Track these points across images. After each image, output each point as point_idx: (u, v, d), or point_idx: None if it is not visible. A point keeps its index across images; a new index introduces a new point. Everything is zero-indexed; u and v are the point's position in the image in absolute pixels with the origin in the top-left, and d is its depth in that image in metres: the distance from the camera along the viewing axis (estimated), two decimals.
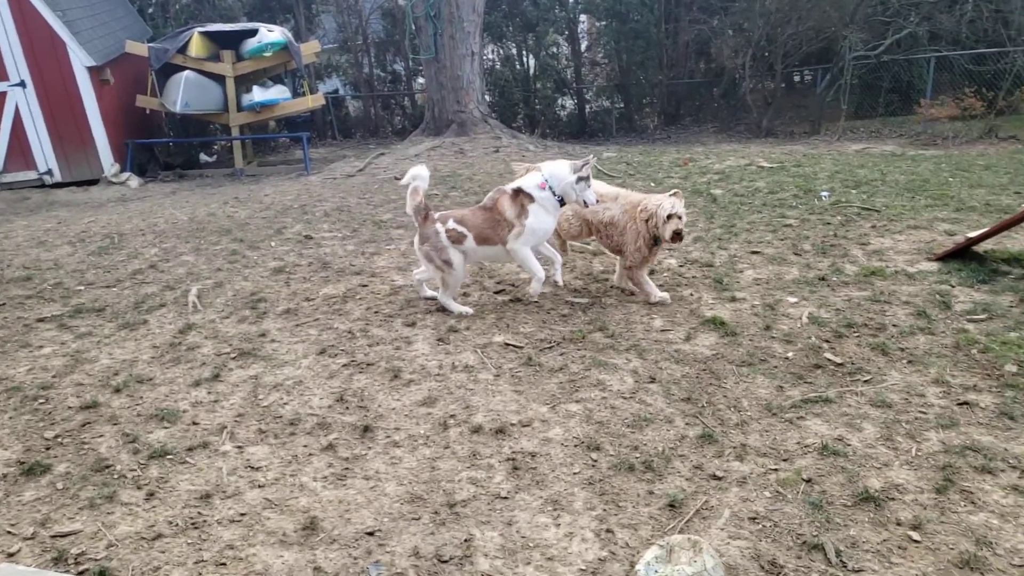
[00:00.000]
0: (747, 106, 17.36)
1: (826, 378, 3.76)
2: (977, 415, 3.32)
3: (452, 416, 3.52)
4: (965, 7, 14.95)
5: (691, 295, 5.03)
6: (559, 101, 21.36)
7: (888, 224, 6.49)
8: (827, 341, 4.19)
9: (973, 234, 5.40)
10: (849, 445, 3.12)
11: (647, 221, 4.77)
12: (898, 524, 2.61)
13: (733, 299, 4.90)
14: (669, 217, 4.65)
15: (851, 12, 15.10)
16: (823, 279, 5.15)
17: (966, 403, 3.43)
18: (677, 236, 4.66)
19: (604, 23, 20.53)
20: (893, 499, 2.75)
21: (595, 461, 3.10)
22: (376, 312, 4.98)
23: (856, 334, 4.26)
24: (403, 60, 21.47)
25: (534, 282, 4.78)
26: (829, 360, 3.94)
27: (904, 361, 3.90)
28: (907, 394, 3.55)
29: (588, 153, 13.35)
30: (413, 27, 16.43)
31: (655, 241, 4.82)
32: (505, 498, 2.87)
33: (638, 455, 3.13)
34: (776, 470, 2.98)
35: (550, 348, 4.28)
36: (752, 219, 6.95)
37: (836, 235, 6.22)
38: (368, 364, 4.16)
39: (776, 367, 3.91)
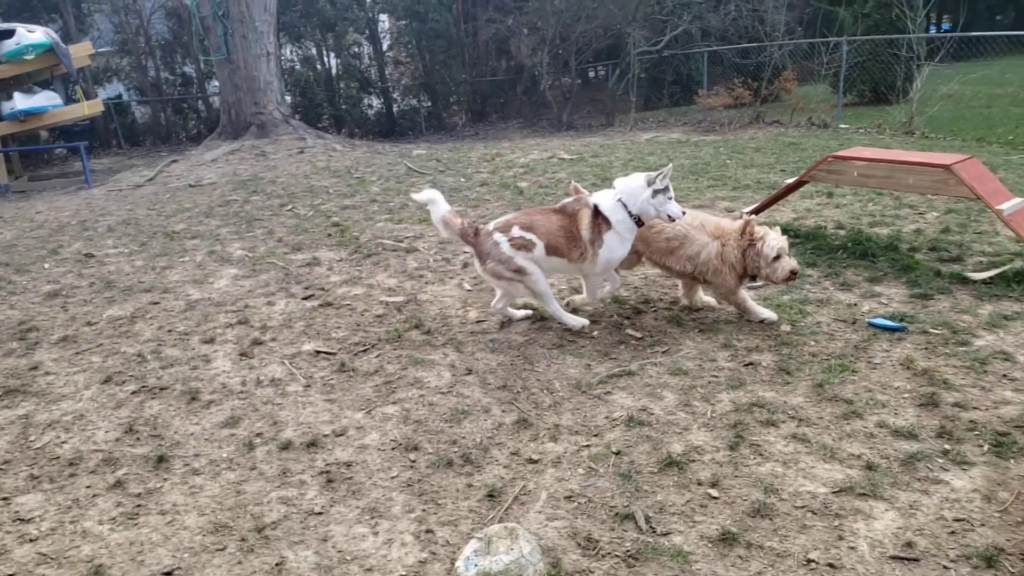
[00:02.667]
0: (548, 101, 18.04)
1: (629, 352, 3.94)
2: (760, 373, 3.63)
3: (258, 434, 3.29)
4: (729, 7, 16.51)
5: None
6: (365, 100, 21.00)
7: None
8: (628, 318, 4.41)
9: (747, 209, 5.94)
10: (652, 414, 3.29)
11: (746, 251, 4.06)
12: (699, 484, 2.77)
13: None
14: (778, 257, 4.01)
15: (633, 11, 16.14)
16: None
17: (751, 363, 3.74)
18: (794, 275, 4.06)
19: (404, 23, 20.45)
20: (693, 461, 2.92)
21: (413, 462, 3.03)
22: (169, 331, 4.57)
23: (653, 309, 4.52)
24: (193, 62, 20.07)
25: (587, 295, 4.49)
26: (630, 335, 4.15)
27: (696, 330, 4.19)
28: (701, 360, 3.80)
29: (398, 150, 13.23)
30: (201, 27, 15.38)
31: (746, 273, 4.15)
32: (319, 513, 2.72)
33: (456, 449, 3.10)
34: (588, 446, 3.07)
35: (365, 351, 4.15)
36: None
37: None
38: (161, 388, 3.79)
39: (583, 347, 4.05)
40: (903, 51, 13.48)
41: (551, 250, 4.11)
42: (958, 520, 2.47)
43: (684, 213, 4.12)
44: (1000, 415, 3.09)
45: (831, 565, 2.30)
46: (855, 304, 4.39)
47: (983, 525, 2.44)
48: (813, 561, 2.32)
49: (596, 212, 4.10)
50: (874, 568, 2.28)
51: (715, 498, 2.68)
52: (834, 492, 2.66)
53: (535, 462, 2.99)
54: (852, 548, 2.37)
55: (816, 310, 4.35)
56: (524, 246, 4.08)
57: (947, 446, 2.89)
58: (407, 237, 6.52)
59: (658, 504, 2.67)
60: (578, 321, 4.26)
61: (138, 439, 3.31)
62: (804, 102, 14.61)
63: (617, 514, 2.62)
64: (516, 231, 4.10)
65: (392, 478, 2.93)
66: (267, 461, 3.08)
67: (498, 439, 3.18)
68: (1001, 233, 5.53)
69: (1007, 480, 2.67)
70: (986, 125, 12.23)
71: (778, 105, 15.37)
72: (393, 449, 3.14)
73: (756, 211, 5.87)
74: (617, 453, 3.00)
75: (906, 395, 3.32)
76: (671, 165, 4.17)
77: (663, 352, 3.92)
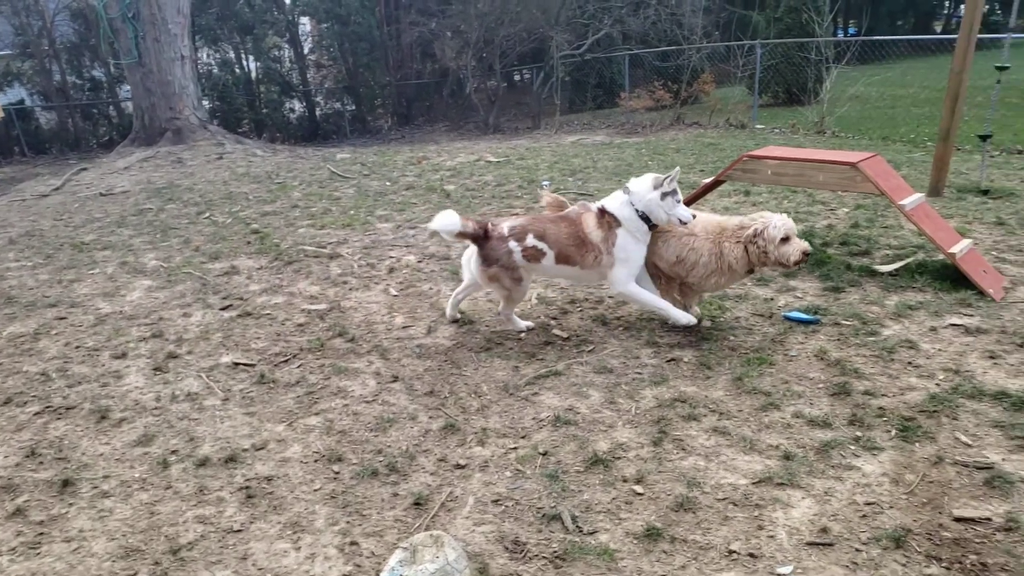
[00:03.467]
0: (474, 104, 18.04)
1: (555, 352, 3.96)
2: (682, 369, 3.70)
3: (174, 452, 3.16)
4: (648, 11, 16.87)
5: (430, 289, 5.05)
6: (287, 104, 20.55)
7: None
8: (555, 318, 4.43)
9: None
10: (579, 413, 3.31)
11: (748, 243, 3.83)
12: (624, 481, 2.80)
13: None
14: (787, 239, 3.79)
15: (555, 14, 16.30)
16: None
17: (673, 359, 3.81)
18: (805, 257, 3.82)
19: (326, 25, 20.13)
20: (619, 458, 2.95)
21: (337, 473, 2.96)
22: (77, 347, 4.35)
23: (579, 309, 4.56)
24: (102, 65, 19.20)
25: (678, 318, 4.06)
26: (557, 336, 4.17)
27: (620, 328, 4.24)
28: (625, 358, 3.85)
29: (322, 155, 12.98)
30: (109, 30, 14.74)
31: (750, 267, 3.94)
32: (239, 531, 2.63)
33: (382, 458, 3.04)
34: (515, 448, 3.06)
35: (286, 362, 4.04)
36: (483, 211, 7.19)
37: None
38: (68, 408, 3.60)
39: (511, 349, 4.04)
40: (813, 54, 14.04)
41: (561, 259, 4.02)
42: (869, 504, 2.56)
43: (694, 216, 4.00)
44: (906, 401, 3.23)
45: (752, 555, 2.36)
46: (771, 299, 4.52)
47: (892, 507, 2.54)
48: (735, 552, 2.37)
49: (602, 213, 4.01)
50: (792, 555, 2.34)
51: (640, 494, 2.71)
52: (754, 483, 2.72)
53: (462, 467, 2.96)
54: (771, 537, 2.43)
55: (735, 305, 4.46)
56: (535, 256, 4.00)
57: (858, 433, 3.00)
58: (330, 243, 6.38)
59: (584, 503, 2.68)
60: (524, 324, 4.27)
61: (41, 463, 3.13)
62: (722, 104, 15.05)
63: (544, 515, 2.62)
64: (531, 240, 3.99)
65: (315, 491, 2.85)
66: (183, 479, 2.96)
67: (425, 446, 3.13)
68: (904, 227, 5.81)
69: (913, 463, 2.79)
70: (890, 124, 12.85)
71: (698, 107, 15.79)
72: (316, 461, 3.06)
73: None
74: (544, 454, 3.00)
75: (820, 385, 3.43)
76: (679, 168, 4.05)
77: (589, 351, 3.96)
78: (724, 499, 2.65)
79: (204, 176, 10.90)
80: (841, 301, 4.40)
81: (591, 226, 4.01)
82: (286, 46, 20.52)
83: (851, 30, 30.66)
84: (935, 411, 3.13)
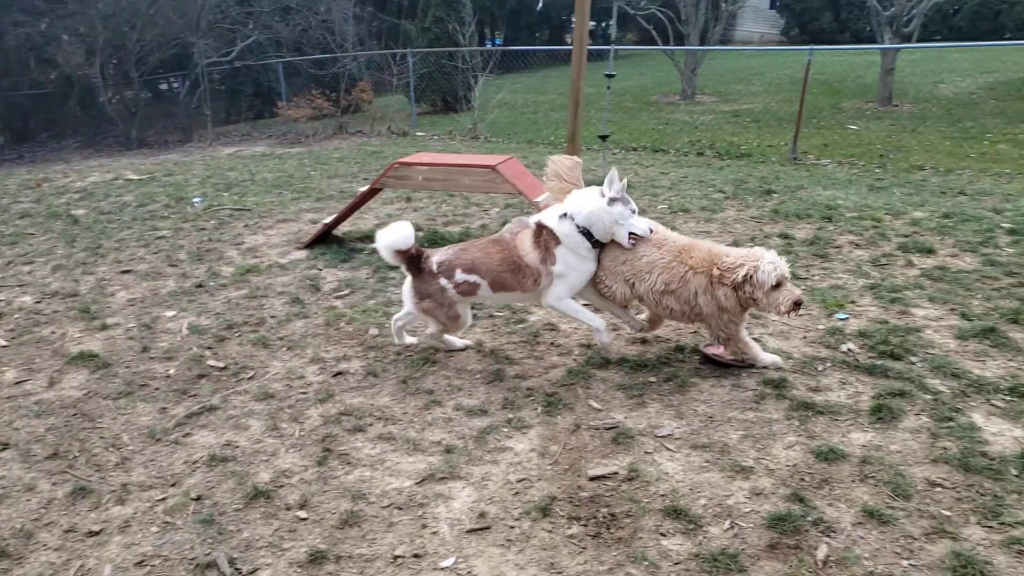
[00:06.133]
0: (111, 117, 16.06)
1: (211, 385, 3.65)
2: (349, 381, 3.65)
3: None
4: (297, 18, 16.53)
5: (53, 333, 4.34)
6: None
7: (260, 221, 6.75)
8: (209, 348, 4.08)
9: (328, 219, 5.97)
10: (238, 447, 3.08)
11: (737, 287, 3.34)
12: (287, 509, 2.66)
13: (104, 327, 4.39)
14: (778, 285, 3.30)
15: (195, 20, 15.18)
16: (201, 286, 5.03)
17: (340, 373, 3.74)
18: (797, 307, 3.32)
19: None
20: (282, 486, 2.79)
21: None
22: None
23: (238, 334, 4.26)
24: None
25: (598, 335, 3.75)
26: (212, 367, 3.84)
27: (284, 348, 4.05)
28: (289, 380, 3.68)
29: None
30: None
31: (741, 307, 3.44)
32: None
33: None
34: (164, 499, 2.74)
35: None
36: (121, 236, 6.41)
37: (211, 239, 6.19)
38: None
39: (158, 389, 3.63)
40: (460, 63, 14.97)
41: (497, 286, 3.71)
42: (520, 480, 2.76)
43: (652, 231, 3.57)
44: (549, 379, 3.56)
45: (416, 555, 2.38)
46: None
47: (540, 479, 2.76)
48: (400, 556, 2.38)
49: (539, 231, 3.63)
50: (454, 547, 2.42)
51: (304, 519, 2.59)
52: (417, 483, 2.77)
53: (96, 534, 2.57)
54: (434, 533, 2.49)
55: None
56: (469, 291, 3.72)
57: (511, 415, 3.22)
58: None
59: (245, 542, 2.49)
60: (461, 343, 4.02)
61: None
62: (383, 112, 15.34)
63: (198, 565, 2.38)
64: (460, 275, 3.68)
65: None
66: None
67: (47, 518, 2.66)
68: None
69: (556, 435, 3.07)
70: (534, 128, 14.24)
71: (360, 116, 15.89)
72: None
73: (337, 221, 5.92)
74: (197, 499, 2.73)
75: (478, 376, 3.63)
76: (619, 170, 3.57)
77: (249, 379, 3.71)
78: (389, 505, 2.65)
79: None
80: None
81: (527, 247, 3.64)
82: None
83: (497, 40, 33.39)
84: (572, 384, 3.49)
